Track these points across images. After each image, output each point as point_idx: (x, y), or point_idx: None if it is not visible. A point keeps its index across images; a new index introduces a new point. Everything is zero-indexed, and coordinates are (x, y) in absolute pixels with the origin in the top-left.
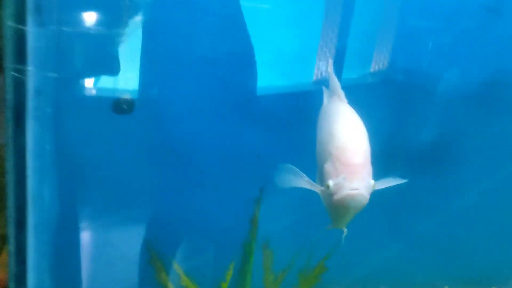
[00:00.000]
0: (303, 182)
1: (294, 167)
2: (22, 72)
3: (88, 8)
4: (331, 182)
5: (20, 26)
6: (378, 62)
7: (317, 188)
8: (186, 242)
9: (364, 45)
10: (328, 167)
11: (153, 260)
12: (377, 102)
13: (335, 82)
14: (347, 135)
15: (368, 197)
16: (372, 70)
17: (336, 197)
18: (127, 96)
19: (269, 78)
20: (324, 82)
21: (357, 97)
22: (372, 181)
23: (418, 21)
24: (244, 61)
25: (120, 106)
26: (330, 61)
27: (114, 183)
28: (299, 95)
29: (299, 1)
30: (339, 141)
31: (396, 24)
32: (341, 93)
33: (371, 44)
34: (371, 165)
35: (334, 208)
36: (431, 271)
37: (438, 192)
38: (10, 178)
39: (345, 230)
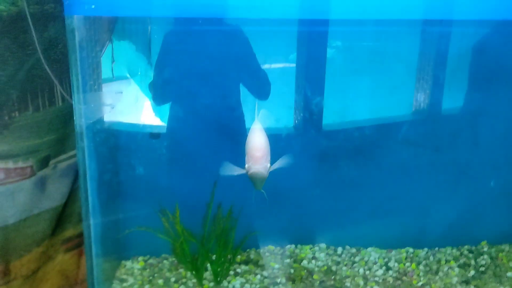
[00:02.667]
0: (236, 169)
1: (230, 163)
2: None
3: None
4: (246, 166)
5: None
6: None
7: (243, 171)
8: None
9: None
10: (246, 157)
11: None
12: None
13: (256, 113)
14: (252, 141)
15: (265, 172)
16: None
17: (248, 173)
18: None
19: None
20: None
21: None
22: (268, 165)
23: None
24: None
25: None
26: (257, 103)
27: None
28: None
29: None
30: (249, 144)
31: None
32: (256, 119)
33: None
34: (268, 156)
35: (250, 179)
36: None
37: None
38: None
39: (263, 191)
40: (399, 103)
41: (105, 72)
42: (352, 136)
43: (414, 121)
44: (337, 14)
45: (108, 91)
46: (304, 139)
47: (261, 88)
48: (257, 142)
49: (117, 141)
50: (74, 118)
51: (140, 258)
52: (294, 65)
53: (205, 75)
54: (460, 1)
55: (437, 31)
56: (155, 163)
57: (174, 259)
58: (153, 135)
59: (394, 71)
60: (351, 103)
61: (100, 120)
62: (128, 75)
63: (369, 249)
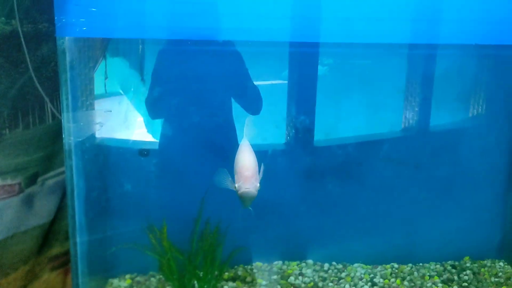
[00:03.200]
0: (229, 183)
1: (226, 172)
2: None
3: None
4: (236, 185)
5: None
6: None
7: (233, 187)
8: None
9: None
10: (235, 176)
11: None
12: None
13: (245, 130)
14: (241, 160)
15: (255, 191)
16: None
17: (238, 192)
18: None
19: None
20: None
21: None
22: (258, 184)
23: None
24: None
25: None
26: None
27: None
28: None
29: None
30: (238, 163)
31: None
32: (245, 137)
33: None
34: (257, 175)
35: (239, 197)
36: None
37: None
38: None
39: (251, 209)
40: (387, 121)
41: (99, 88)
42: (338, 153)
43: (401, 138)
44: (327, 37)
45: (97, 110)
46: (294, 156)
47: (253, 103)
48: (246, 161)
49: (106, 159)
50: (63, 136)
51: (127, 276)
52: (286, 81)
53: (197, 91)
54: (442, 28)
55: (423, 53)
56: (144, 180)
57: (161, 276)
58: (142, 152)
59: (384, 90)
60: (341, 121)
61: (89, 138)
62: (121, 91)
63: (355, 265)
